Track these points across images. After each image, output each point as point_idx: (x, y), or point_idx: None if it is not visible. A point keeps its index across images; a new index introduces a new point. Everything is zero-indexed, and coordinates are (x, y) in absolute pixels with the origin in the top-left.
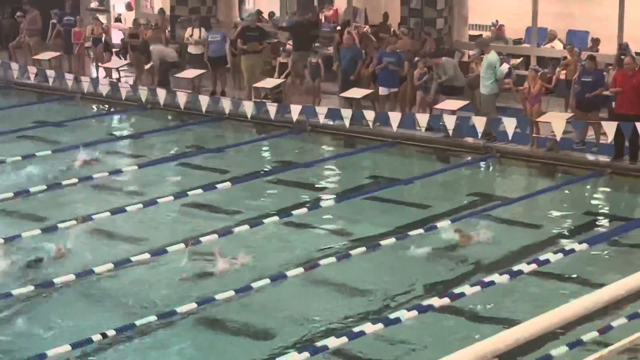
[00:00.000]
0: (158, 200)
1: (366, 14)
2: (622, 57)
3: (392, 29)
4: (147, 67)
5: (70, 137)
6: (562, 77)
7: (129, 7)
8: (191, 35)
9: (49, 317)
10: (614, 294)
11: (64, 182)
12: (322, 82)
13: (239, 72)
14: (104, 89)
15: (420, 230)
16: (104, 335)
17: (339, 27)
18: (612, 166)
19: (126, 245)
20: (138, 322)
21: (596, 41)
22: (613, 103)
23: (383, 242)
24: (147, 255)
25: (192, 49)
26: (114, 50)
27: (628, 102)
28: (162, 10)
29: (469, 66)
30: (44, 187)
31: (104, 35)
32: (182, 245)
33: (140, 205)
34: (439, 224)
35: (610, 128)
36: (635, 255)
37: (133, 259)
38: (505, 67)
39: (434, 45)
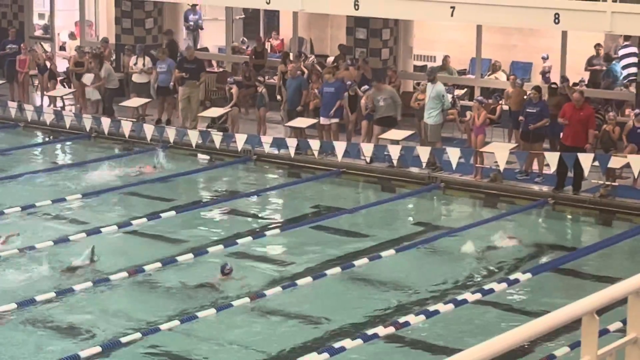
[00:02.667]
0: (101, 229)
1: (312, 44)
2: (554, 85)
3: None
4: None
5: (14, 165)
6: (505, 108)
7: (72, 35)
8: (135, 64)
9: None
10: (558, 320)
11: (7, 211)
12: (267, 112)
13: None
14: (48, 117)
15: (365, 260)
16: None
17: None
18: (554, 196)
19: (71, 274)
20: (82, 354)
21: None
22: (561, 134)
23: (329, 272)
24: (89, 284)
25: (136, 78)
26: (58, 78)
27: (575, 135)
28: (105, 39)
29: (416, 96)
30: None
31: (49, 63)
32: (126, 274)
33: (84, 234)
34: (383, 253)
35: (553, 159)
36: (578, 284)
37: (75, 287)
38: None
39: (369, 74)
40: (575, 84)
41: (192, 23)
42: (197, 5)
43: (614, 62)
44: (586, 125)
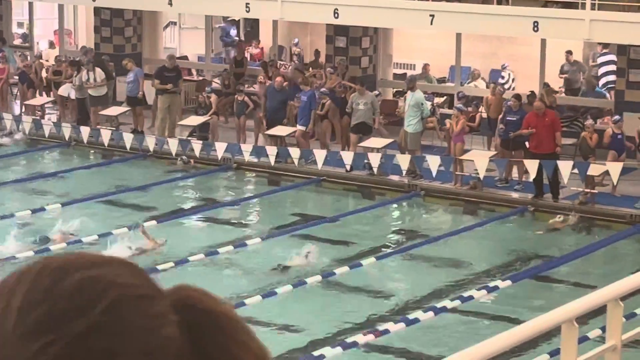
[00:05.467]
0: (82, 239)
1: (291, 52)
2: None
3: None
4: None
5: None
6: (485, 115)
7: (51, 45)
8: (87, 80)
9: None
10: (538, 328)
11: None
12: (247, 120)
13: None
14: (27, 126)
15: (346, 268)
16: None
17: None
18: (534, 204)
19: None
20: None
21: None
22: (526, 143)
23: (309, 280)
24: None
25: (93, 92)
26: (37, 87)
27: (543, 142)
28: (87, 48)
29: (398, 104)
30: None
31: (34, 70)
32: None
33: (64, 244)
34: (364, 261)
35: (532, 166)
36: (558, 291)
37: None
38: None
39: (336, 81)
40: (554, 92)
41: (236, 38)
42: (235, 20)
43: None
44: (552, 130)
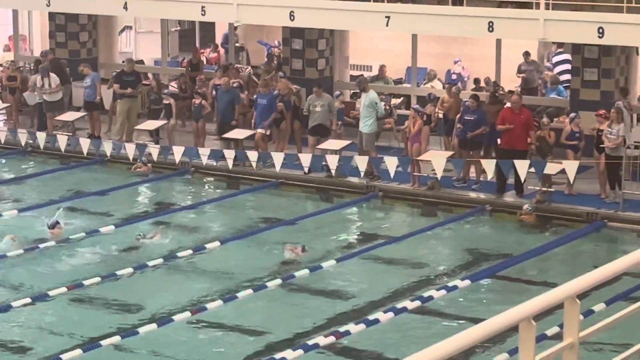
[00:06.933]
0: (39, 245)
1: (248, 55)
2: (496, 95)
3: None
4: None
5: None
6: (440, 116)
7: (6, 48)
8: (42, 86)
9: None
10: (496, 327)
11: None
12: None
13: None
14: None
15: (306, 271)
16: None
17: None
18: (492, 203)
19: (5, 290)
20: None
21: (477, 81)
22: (498, 140)
23: (269, 283)
24: (28, 300)
25: (48, 97)
26: None
27: (516, 138)
28: (47, 51)
29: (355, 106)
30: None
31: None
32: (64, 289)
33: (21, 251)
34: (324, 264)
35: (490, 166)
36: (516, 289)
37: (13, 304)
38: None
39: (286, 85)
40: (510, 91)
41: (237, 44)
42: (238, 26)
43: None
44: (527, 128)
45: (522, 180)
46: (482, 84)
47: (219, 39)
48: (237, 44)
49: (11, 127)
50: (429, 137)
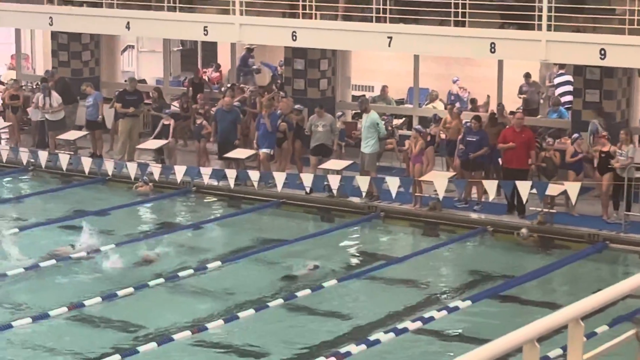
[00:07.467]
0: (40, 264)
1: (239, 74)
2: (495, 117)
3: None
4: None
5: None
6: (443, 136)
7: (9, 67)
8: (44, 105)
9: None
10: (499, 349)
11: None
12: (208, 143)
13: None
14: None
15: (308, 291)
16: None
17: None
18: (493, 224)
19: (6, 310)
20: None
21: (474, 101)
22: (499, 160)
23: (271, 303)
24: (29, 320)
25: (50, 117)
26: None
27: (517, 158)
28: (51, 71)
29: (357, 126)
30: None
31: None
32: (65, 309)
33: (22, 270)
34: (325, 284)
35: (491, 186)
36: (519, 311)
37: (14, 324)
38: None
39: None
40: (512, 112)
41: (254, 67)
42: (254, 48)
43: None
44: (528, 148)
45: (524, 201)
46: (480, 104)
47: (220, 59)
48: (253, 67)
49: (13, 145)
50: (434, 158)
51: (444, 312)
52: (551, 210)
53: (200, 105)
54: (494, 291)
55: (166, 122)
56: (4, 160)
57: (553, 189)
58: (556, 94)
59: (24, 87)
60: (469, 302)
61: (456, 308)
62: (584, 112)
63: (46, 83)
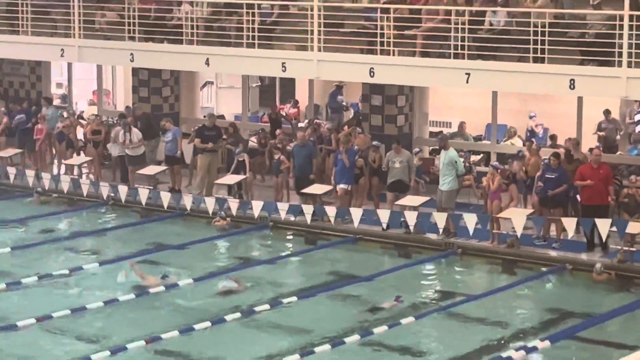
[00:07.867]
0: (119, 298)
1: (327, 110)
2: (571, 154)
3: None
4: None
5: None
6: (522, 173)
7: (90, 102)
8: (124, 141)
9: None
10: None
11: (24, 281)
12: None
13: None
14: (65, 185)
15: (385, 327)
16: None
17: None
18: (573, 262)
19: (85, 343)
20: None
21: (554, 138)
22: (578, 197)
23: (347, 339)
24: (107, 353)
25: (130, 152)
26: (76, 146)
27: (597, 194)
28: (131, 107)
29: (434, 162)
30: None
31: (73, 130)
32: (143, 342)
33: (101, 303)
34: (403, 320)
35: (570, 224)
36: (599, 352)
37: (93, 357)
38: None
39: (366, 140)
40: (591, 149)
41: (343, 104)
42: (343, 85)
43: None
44: (606, 184)
45: (604, 239)
46: (559, 141)
47: (298, 95)
48: (343, 104)
49: (94, 180)
50: (518, 194)
51: (522, 352)
52: (631, 249)
53: (279, 140)
54: (573, 331)
55: (240, 159)
56: (85, 195)
57: (633, 227)
58: (637, 130)
59: (105, 122)
60: (547, 342)
61: (535, 348)
62: None
63: (125, 119)
